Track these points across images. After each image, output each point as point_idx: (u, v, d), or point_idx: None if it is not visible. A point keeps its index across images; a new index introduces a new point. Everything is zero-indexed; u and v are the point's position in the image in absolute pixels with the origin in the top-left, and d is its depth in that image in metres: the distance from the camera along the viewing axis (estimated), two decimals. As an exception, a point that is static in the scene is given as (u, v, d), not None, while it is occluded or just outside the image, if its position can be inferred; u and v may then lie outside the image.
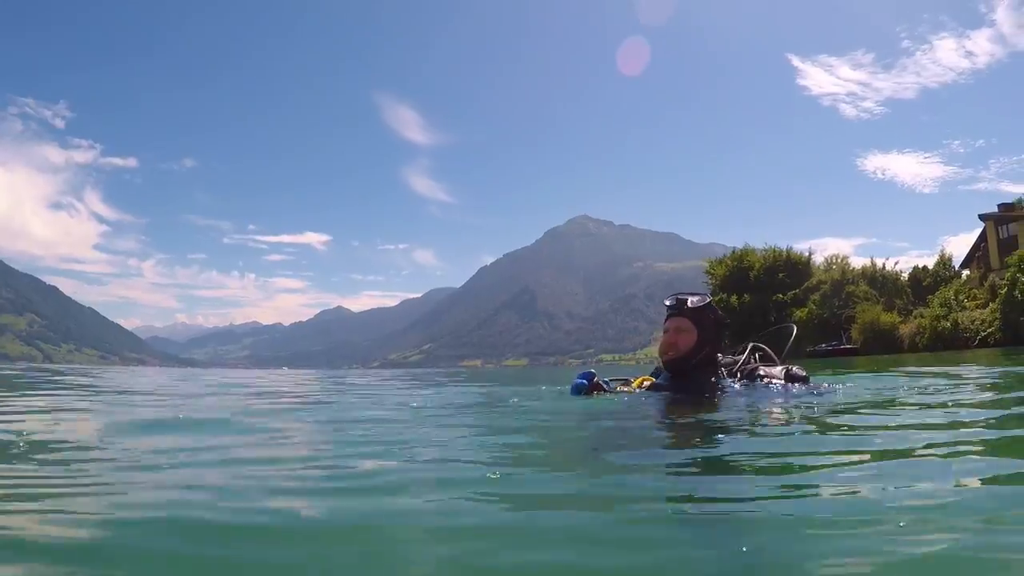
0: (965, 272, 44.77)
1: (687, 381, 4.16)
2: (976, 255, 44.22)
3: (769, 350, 4.49)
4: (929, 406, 3.85)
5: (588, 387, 4.28)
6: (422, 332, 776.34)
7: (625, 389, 4.45)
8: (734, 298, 51.71)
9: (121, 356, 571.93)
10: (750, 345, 4.49)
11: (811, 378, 4.18)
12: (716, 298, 62.51)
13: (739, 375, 4.12)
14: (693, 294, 4.40)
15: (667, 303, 4.38)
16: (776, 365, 4.29)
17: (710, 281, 56.44)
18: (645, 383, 4.42)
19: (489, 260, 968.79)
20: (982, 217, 43.13)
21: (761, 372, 4.10)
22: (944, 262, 46.59)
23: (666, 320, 4.33)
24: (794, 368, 4.15)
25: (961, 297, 37.87)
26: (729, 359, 4.34)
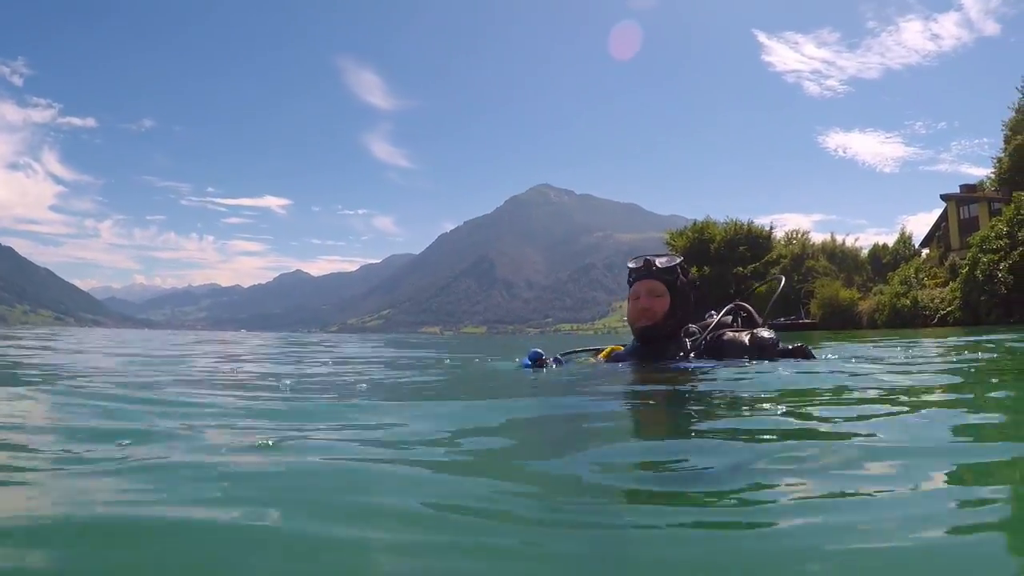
0: (925, 251, 45.06)
1: (655, 349, 3.77)
2: (936, 235, 44.49)
3: (752, 310, 4.05)
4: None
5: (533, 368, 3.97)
6: (381, 298, 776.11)
7: (592, 361, 4.18)
8: (694, 270, 49.95)
9: (77, 317, 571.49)
10: (731, 305, 4.06)
11: (780, 342, 3.65)
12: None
13: (702, 343, 3.67)
14: (659, 255, 4.01)
15: (632, 265, 3.96)
16: (756, 326, 3.86)
17: (670, 253, 55.70)
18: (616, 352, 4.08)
19: (449, 227, 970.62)
20: (944, 197, 43.20)
21: (727, 337, 3.68)
22: (904, 240, 46.90)
23: (633, 284, 3.89)
24: (763, 332, 3.65)
25: (921, 275, 37.93)
26: (697, 327, 3.87)
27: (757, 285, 5.42)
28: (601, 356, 4.15)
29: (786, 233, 54.56)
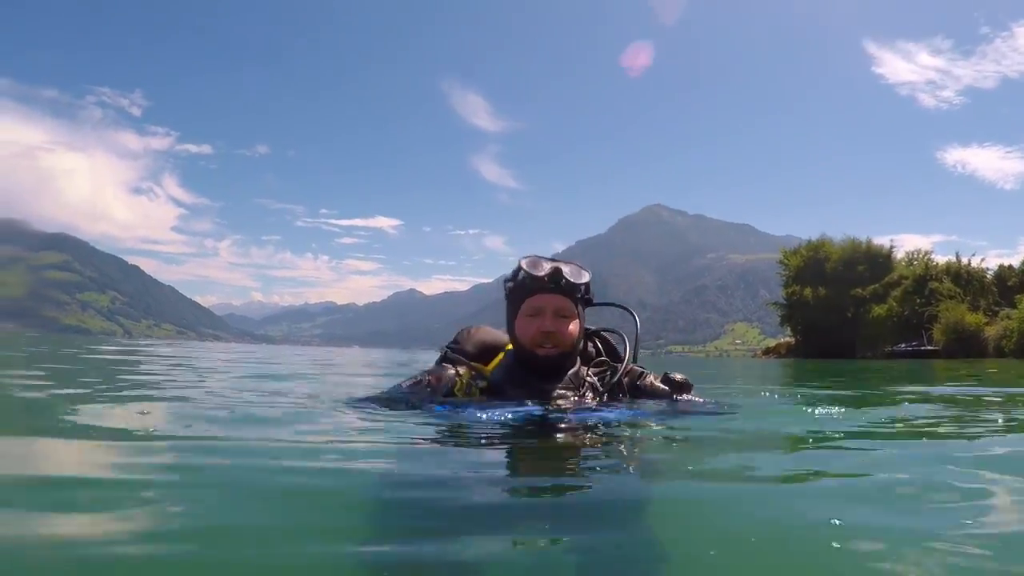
0: (1055, 271, 42.15)
1: (548, 379, 2.78)
2: (1070, 254, 41.66)
3: (614, 344, 3.20)
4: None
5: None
6: (493, 316, 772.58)
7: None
8: (808, 291, 50.30)
9: (198, 332, 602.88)
10: (630, 349, 3.11)
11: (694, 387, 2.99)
12: (789, 290, 59.01)
13: (622, 382, 2.92)
14: (566, 262, 2.88)
15: (532, 270, 2.82)
16: (619, 360, 3.02)
17: (784, 272, 54.89)
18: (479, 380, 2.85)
19: (560, 247, 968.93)
20: (1078, 213, 40.49)
21: (648, 381, 2.95)
22: (1031, 260, 43.93)
23: (532, 295, 2.80)
24: (676, 374, 2.99)
25: (1055, 298, 35.56)
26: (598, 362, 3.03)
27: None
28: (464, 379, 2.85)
29: (907, 254, 52.04)
